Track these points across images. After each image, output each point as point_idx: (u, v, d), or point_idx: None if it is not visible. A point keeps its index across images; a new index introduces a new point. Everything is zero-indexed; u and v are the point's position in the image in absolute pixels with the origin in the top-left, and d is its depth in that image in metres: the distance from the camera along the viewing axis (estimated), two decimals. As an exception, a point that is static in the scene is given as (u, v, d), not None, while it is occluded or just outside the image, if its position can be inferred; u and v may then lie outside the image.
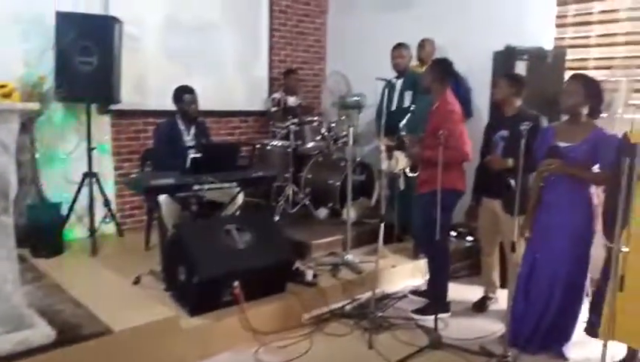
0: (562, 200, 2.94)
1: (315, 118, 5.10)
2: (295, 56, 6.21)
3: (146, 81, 4.99)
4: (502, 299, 3.72)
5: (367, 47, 5.73)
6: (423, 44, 4.91)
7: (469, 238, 4.60)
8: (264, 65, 5.93)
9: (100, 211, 4.34)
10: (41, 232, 3.94)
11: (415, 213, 3.69)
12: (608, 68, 4.08)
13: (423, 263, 4.03)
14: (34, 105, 2.78)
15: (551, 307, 3.02)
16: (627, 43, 4.09)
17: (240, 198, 3.98)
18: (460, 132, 3.33)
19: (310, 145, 4.94)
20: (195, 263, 3.10)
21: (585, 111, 2.93)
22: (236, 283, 3.13)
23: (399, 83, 4.59)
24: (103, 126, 4.65)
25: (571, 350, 3.09)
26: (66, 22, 3.99)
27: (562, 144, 2.88)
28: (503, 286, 3.81)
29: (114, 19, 4.23)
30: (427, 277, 3.84)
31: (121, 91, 4.33)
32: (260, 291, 3.34)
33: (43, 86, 4.14)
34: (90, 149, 4.16)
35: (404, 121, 3.99)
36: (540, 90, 3.61)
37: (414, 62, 4.88)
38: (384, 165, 3.59)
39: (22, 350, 2.43)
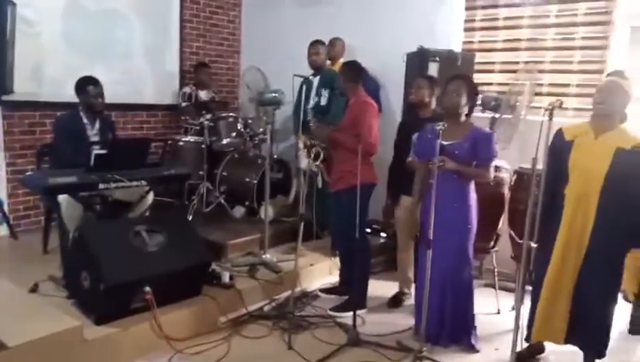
0: (446, 198, 3.01)
1: (231, 114, 4.94)
2: (208, 49, 6.00)
3: (42, 69, 4.59)
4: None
5: (281, 42, 5.68)
6: (333, 43, 4.92)
7: (383, 235, 4.68)
8: (175, 57, 5.69)
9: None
10: None
11: (332, 210, 3.68)
12: (513, 71, 4.32)
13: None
14: None
15: (447, 301, 3.13)
16: (529, 48, 4.36)
17: (150, 198, 3.76)
18: (369, 124, 3.40)
19: (225, 141, 4.78)
20: (100, 268, 2.87)
21: (465, 110, 3.07)
22: (147, 289, 2.94)
23: (316, 80, 4.57)
24: (-8, 118, 4.22)
25: (479, 340, 3.22)
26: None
27: (445, 142, 2.95)
28: (416, 281, 3.91)
29: (6, 1, 3.82)
30: (339, 274, 3.89)
31: (14, 80, 3.95)
32: (173, 295, 3.17)
33: None
34: (-24, 144, 3.74)
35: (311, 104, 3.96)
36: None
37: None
38: (303, 163, 3.55)
39: None
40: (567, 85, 4.20)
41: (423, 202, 3.20)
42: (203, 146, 4.67)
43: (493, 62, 4.54)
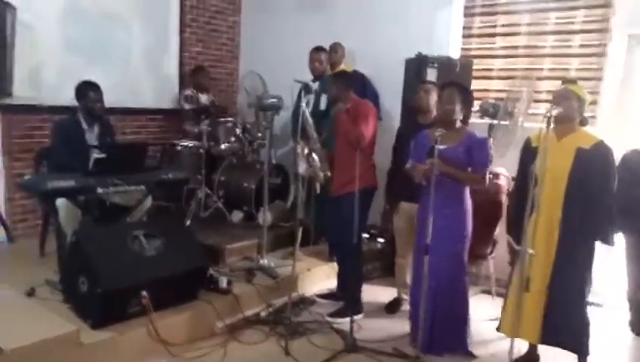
0: (441, 203, 3.01)
1: (230, 119, 4.95)
2: (207, 53, 6.01)
3: (41, 73, 4.58)
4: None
5: (280, 48, 5.69)
6: (334, 49, 4.90)
7: (381, 240, 4.68)
8: (174, 61, 5.68)
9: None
10: None
11: (330, 215, 3.68)
12: (511, 78, 4.33)
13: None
14: None
15: (440, 308, 3.11)
16: (527, 55, 4.38)
17: (148, 202, 3.76)
18: (366, 119, 3.44)
19: (224, 146, 4.79)
20: (98, 272, 2.88)
21: (460, 116, 3.08)
22: (144, 293, 2.94)
23: (316, 86, 4.58)
24: (-10, 121, 4.21)
25: (476, 347, 3.22)
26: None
27: (440, 146, 2.95)
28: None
29: (6, 5, 3.85)
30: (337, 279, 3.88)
31: (13, 84, 3.95)
32: (170, 300, 3.17)
33: None
34: (-26, 147, 3.74)
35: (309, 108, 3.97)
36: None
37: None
38: (301, 168, 3.54)
39: None
40: (565, 92, 4.20)
41: (418, 208, 3.20)
42: (201, 151, 4.67)
43: (491, 69, 4.56)
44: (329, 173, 3.48)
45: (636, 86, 3.94)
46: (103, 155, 3.42)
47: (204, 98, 5.40)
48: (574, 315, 2.82)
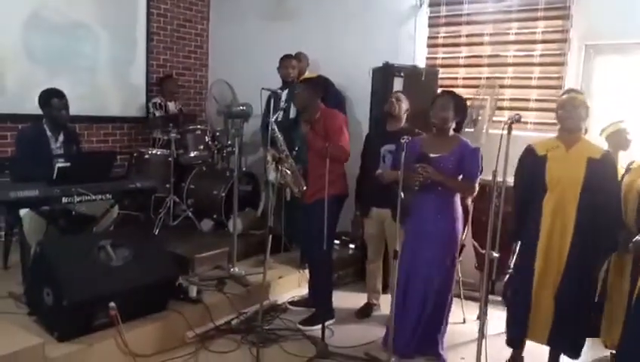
0: (430, 209, 3.11)
1: (199, 127, 4.92)
2: (175, 61, 5.97)
3: (3, 82, 4.52)
4: (384, 304, 3.87)
5: (249, 56, 5.70)
6: (298, 57, 4.89)
7: (352, 246, 4.72)
8: (141, 70, 5.63)
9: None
10: None
11: (303, 223, 3.69)
12: (475, 87, 4.45)
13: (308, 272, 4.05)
14: None
15: (425, 311, 3.17)
16: (490, 65, 4.50)
17: (115, 211, 3.70)
18: (341, 130, 3.50)
19: (193, 154, 4.76)
20: (64, 284, 2.81)
21: (452, 125, 3.15)
22: (112, 304, 2.89)
23: (284, 94, 4.60)
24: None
25: (447, 351, 3.27)
26: None
27: (432, 155, 3.04)
28: (384, 292, 3.96)
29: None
30: (308, 286, 3.91)
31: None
32: (139, 311, 3.12)
33: None
34: None
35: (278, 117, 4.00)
36: (415, 106, 3.81)
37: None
38: (271, 175, 3.56)
39: None
40: (527, 100, 4.35)
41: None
42: (170, 159, 4.63)
43: (456, 78, 4.66)
44: (304, 187, 3.50)
45: (595, 94, 4.09)
46: (67, 164, 3.36)
47: (172, 106, 5.37)
48: (581, 321, 2.89)
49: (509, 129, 2.49)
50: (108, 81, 5.32)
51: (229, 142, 4.80)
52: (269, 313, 3.73)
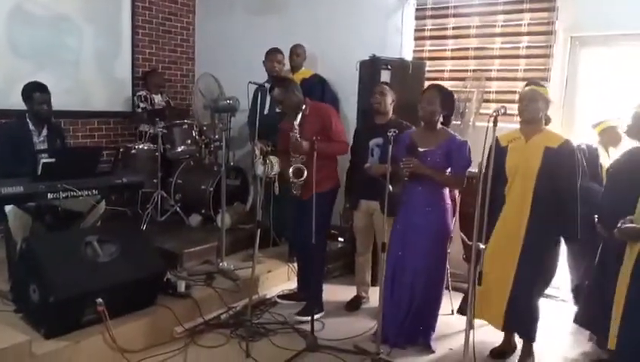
0: (419, 202, 3.13)
1: (186, 121, 4.89)
2: (161, 55, 5.91)
3: (-14, 77, 4.42)
4: (373, 297, 3.89)
5: (235, 49, 5.67)
6: (295, 51, 4.84)
7: (341, 239, 4.73)
8: (127, 63, 5.56)
9: None
10: None
11: (297, 216, 3.66)
12: (462, 79, 4.46)
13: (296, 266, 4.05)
14: None
15: (414, 302, 3.20)
16: (476, 57, 4.51)
17: (101, 207, 3.66)
18: (337, 125, 3.53)
19: (180, 148, 4.73)
20: (50, 280, 2.80)
21: (440, 118, 3.16)
22: (99, 300, 2.87)
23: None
24: None
25: (436, 342, 3.30)
26: None
27: (420, 148, 3.06)
28: (373, 284, 3.98)
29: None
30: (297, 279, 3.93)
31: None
32: (127, 306, 3.11)
33: None
34: None
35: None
36: (402, 98, 3.83)
37: (286, 69, 4.89)
38: (259, 169, 3.54)
39: None
40: (514, 92, 4.36)
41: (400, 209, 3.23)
42: (157, 154, 4.60)
43: (443, 70, 4.67)
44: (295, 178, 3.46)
45: (580, 85, 4.12)
46: (52, 160, 3.32)
47: (158, 98, 5.32)
48: (534, 304, 2.98)
49: (495, 121, 2.51)
50: (93, 75, 5.26)
51: (217, 137, 4.78)
52: (259, 307, 3.73)
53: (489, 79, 4.38)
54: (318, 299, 3.66)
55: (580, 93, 4.14)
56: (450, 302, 3.83)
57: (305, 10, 5.28)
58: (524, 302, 2.93)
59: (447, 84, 4.59)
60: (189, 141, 4.78)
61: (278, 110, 3.71)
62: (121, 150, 4.83)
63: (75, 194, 3.23)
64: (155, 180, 4.56)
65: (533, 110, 2.89)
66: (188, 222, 4.65)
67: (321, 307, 3.69)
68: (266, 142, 3.75)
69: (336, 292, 4.06)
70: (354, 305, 3.90)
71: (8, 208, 3.22)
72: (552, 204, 2.84)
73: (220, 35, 5.95)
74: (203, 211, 4.66)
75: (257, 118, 4.20)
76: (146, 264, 3.26)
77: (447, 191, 3.21)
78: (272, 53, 4.63)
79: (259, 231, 3.35)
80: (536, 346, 3.07)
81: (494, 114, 2.51)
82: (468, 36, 4.53)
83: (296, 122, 3.42)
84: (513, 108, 4.18)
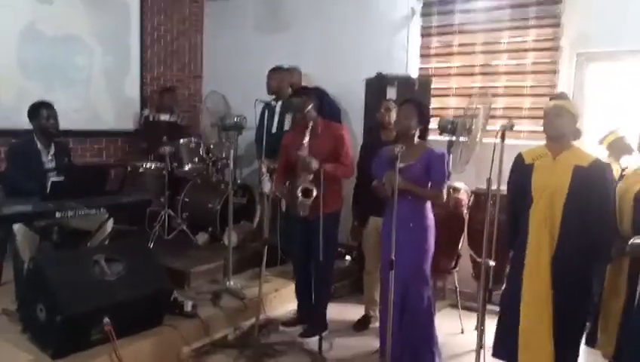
0: (403, 217, 3.01)
1: (193, 139, 4.91)
2: (169, 74, 5.98)
3: (-3, 97, 4.48)
4: (381, 316, 3.84)
5: (243, 68, 5.71)
6: (291, 72, 4.86)
7: (348, 258, 4.70)
8: (135, 83, 5.63)
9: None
10: None
11: (302, 237, 3.63)
12: (468, 96, 4.45)
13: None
14: None
15: (406, 321, 3.11)
16: (482, 74, 4.52)
17: (109, 226, 3.66)
18: (351, 149, 3.54)
19: (188, 167, 4.75)
20: (57, 299, 2.78)
21: (417, 133, 3.13)
22: (106, 319, 2.85)
23: (279, 105, 4.61)
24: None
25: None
26: None
27: (400, 163, 2.95)
28: (380, 303, 3.93)
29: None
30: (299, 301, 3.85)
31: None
32: (134, 326, 3.08)
33: None
34: None
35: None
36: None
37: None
38: (266, 187, 3.54)
39: None
40: (520, 109, 4.37)
41: (382, 223, 3.22)
42: (164, 172, 4.61)
43: (449, 87, 4.68)
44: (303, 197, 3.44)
45: (587, 101, 4.11)
46: (60, 178, 3.34)
47: (165, 118, 5.35)
48: (578, 336, 2.77)
49: (502, 136, 2.48)
50: (102, 95, 5.32)
51: (224, 155, 4.79)
52: (266, 327, 3.69)
53: (495, 96, 4.38)
54: (323, 318, 3.62)
55: (587, 109, 4.12)
56: (459, 321, 3.78)
57: (311, 27, 5.33)
58: (571, 334, 2.71)
59: (453, 101, 4.65)
60: (197, 159, 4.80)
61: (287, 125, 3.70)
62: (128, 169, 4.85)
63: (82, 212, 3.24)
64: (162, 199, 4.57)
65: (559, 126, 2.70)
66: (195, 241, 4.64)
67: (325, 326, 3.65)
68: (273, 160, 3.75)
69: (344, 312, 4.02)
70: (362, 325, 3.86)
71: (16, 227, 3.22)
72: (584, 226, 2.63)
73: (227, 54, 6.02)
74: (210, 229, 4.65)
75: (265, 136, 4.21)
76: (152, 282, 3.24)
77: (429, 206, 3.14)
78: (272, 72, 4.66)
79: (266, 249, 3.34)
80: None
81: (502, 129, 2.48)
82: (473, 53, 4.55)
83: (305, 140, 3.40)
84: (520, 124, 4.22)
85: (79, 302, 2.84)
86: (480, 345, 2.59)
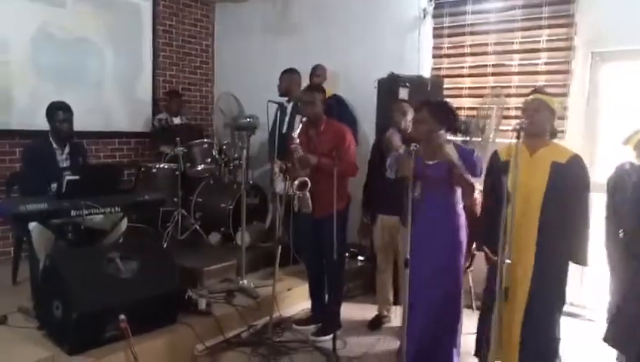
0: (434, 215, 2.99)
1: (205, 140, 4.94)
2: (181, 77, 6.03)
3: (12, 98, 4.55)
4: (395, 315, 3.84)
5: (254, 70, 5.75)
6: (315, 72, 4.87)
7: (360, 258, 4.69)
8: (147, 85, 5.68)
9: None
10: None
11: (312, 236, 3.63)
12: (481, 96, 4.45)
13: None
14: None
15: (432, 321, 3.05)
16: (494, 74, 4.51)
17: (123, 224, 3.69)
18: (350, 147, 3.49)
19: (200, 167, 4.77)
20: (73, 296, 2.80)
21: (441, 132, 3.00)
22: (122, 317, 2.87)
23: (290, 106, 4.62)
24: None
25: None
26: None
27: (428, 162, 2.95)
28: (395, 303, 3.92)
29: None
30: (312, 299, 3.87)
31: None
32: (149, 323, 3.10)
33: None
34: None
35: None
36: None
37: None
38: (278, 187, 3.55)
39: None
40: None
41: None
42: (177, 173, 4.64)
43: (461, 88, 4.66)
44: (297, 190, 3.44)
45: (602, 100, 4.09)
46: (75, 177, 3.37)
47: (177, 121, 5.40)
48: (551, 331, 2.72)
49: (518, 135, 2.43)
50: (114, 97, 5.37)
51: (236, 155, 4.81)
52: (279, 325, 3.69)
53: (508, 96, 4.36)
54: (336, 317, 3.61)
55: (602, 109, 4.10)
56: (474, 321, 3.75)
57: (322, 29, 5.35)
58: (542, 330, 2.69)
59: (465, 101, 4.63)
60: (209, 160, 4.82)
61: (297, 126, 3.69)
62: (142, 169, 4.88)
63: (97, 211, 3.26)
64: (175, 199, 4.59)
65: (538, 121, 2.63)
66: (207, 240, 4.65)
67: (338, 324, 3.64)
68: (286, 160, 3.75)
69: (357, 312, 4.02)
70: (376, 324, 3.85)
71: (32, 225, 3.26)
72: (562, 223, 2.60)
73: (238, 57, 6.05)
74: (223, 229, 4.66)
75: (277, 136, 4.23)
76: (166, 280, 3.25)
77: (460, 205, 3.05)
78: (284, 73, 4.68)
79: (279, 248, 3.34)
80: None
81: (517, 127, 2.44)
82: (486, 53, 4.54)
83: (295, 133, 3.40)
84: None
85: (95, 299, 2.86)
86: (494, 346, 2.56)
